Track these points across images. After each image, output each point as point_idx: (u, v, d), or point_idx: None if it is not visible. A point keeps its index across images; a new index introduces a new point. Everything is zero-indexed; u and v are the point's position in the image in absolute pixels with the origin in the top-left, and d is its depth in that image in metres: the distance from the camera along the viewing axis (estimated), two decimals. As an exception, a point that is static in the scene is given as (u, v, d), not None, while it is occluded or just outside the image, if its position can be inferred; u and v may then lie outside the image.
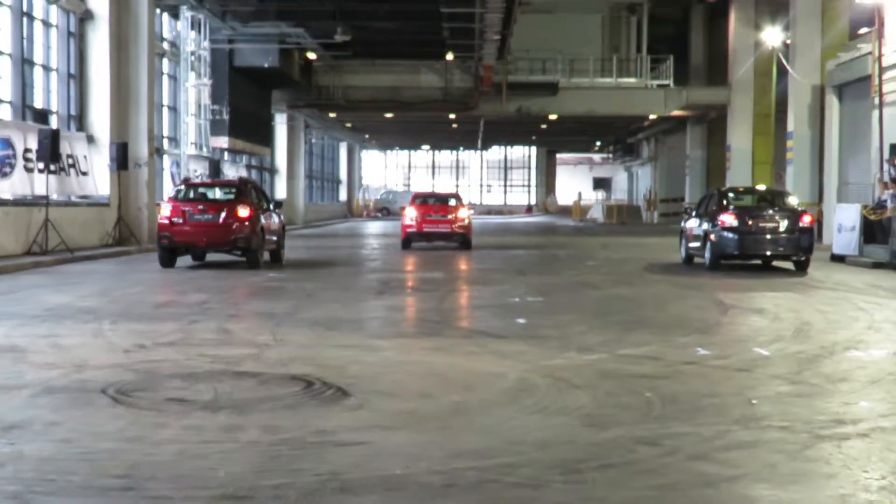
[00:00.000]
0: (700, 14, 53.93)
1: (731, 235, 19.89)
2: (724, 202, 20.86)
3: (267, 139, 45.19)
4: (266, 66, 38.06)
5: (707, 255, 20.46)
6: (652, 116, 52.31)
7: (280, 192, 48.45)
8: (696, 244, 21.25)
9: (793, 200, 21.66)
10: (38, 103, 25.08)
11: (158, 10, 31.61)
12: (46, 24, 25.59)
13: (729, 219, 19.95)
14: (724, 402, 7.41)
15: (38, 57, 25.23)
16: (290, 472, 5.48)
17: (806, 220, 20.07)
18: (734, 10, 45.68)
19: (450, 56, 43.53)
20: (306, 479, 5.34)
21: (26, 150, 22.18)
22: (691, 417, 6.85)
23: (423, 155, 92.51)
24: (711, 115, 50.48)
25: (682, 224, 22.99)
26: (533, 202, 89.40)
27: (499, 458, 5.78)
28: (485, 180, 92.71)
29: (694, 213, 22.06)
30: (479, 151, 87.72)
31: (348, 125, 62.24)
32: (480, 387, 7.90)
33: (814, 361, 9.22)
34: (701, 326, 11.73)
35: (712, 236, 20.14)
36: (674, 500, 5.08)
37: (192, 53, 33.00)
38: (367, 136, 73.11)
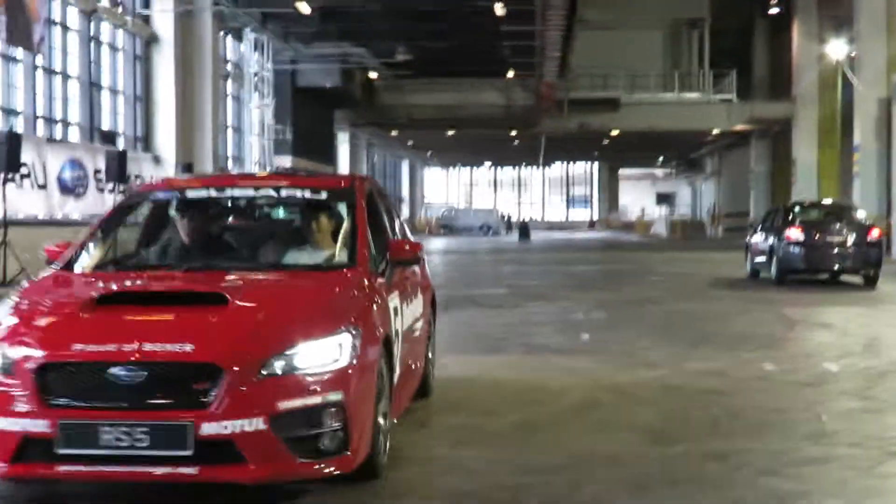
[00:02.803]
0: (763, 27, 53.49)
1: (797, 250, 19.63)
2: (790, 216, 20.59)
3: (330, 158, 45.56)
4: (328, 86, 38.41)
5: (773, 269, 20.21)
6: (715, 131, 51.93)
7: (343, 210, 48.69)
8: (762, 259, 21.02)
9: (860, 214, 21.33)
10: (106, 125, 25.55)
11: (222, 33, 32.06)
12: (113, 48, 26.09)
13: (795, 233, 19.69)
14: (791, 417, 7.34)
15: (105, 80, 25.72)
16: (357, 487, 5.51)
17: (874, 233, 19.75)
18: (797, 22, 45.26)
19: (511, 74, 43.63)
20: (371, 493, 5.37)
21: (97, 171, 22.61)
22: (759, 433, 6.78)
23: (485, 171, 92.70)
24: (775, 129, 49.94)
25: (748, 239, 22.75)
26: (595, 218, 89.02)
27: (565, 475, 5.77)
28: (547, 196, 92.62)
29: (759, 228, 21.82)
30: (540, 167, 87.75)
31: (410, 143, 62.56)
32: (546, 402, 7.89)
33: (884, 377, 9.08)
34: (767, 342, 11.60)
35: (778, 251, 19.92)
36: (743, 516, 5.04)
37: (256, 75, 33.43)
38: (429, 153, 73.34)
